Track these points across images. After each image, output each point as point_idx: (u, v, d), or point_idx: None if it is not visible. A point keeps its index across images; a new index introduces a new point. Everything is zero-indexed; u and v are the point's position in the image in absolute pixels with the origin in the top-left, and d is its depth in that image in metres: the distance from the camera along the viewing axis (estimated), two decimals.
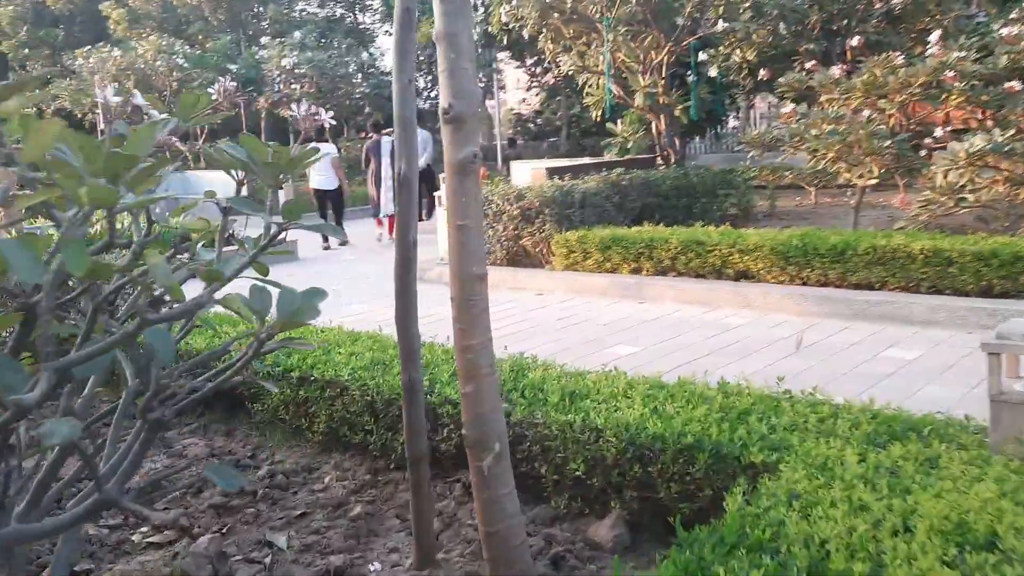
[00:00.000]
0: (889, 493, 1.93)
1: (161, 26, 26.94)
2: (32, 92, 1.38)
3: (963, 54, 7.74)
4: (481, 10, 16.76)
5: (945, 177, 7.02)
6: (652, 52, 11.13)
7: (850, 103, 8.24)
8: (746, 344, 5.28)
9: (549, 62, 15.33)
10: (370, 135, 12.50)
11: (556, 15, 11.01)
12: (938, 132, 7.80)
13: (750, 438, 2.40)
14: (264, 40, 26.52)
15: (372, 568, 2.52)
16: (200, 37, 27.32)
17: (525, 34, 11.56)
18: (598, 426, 2.60)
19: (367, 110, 22.66)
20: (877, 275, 6.10)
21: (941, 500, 1.85)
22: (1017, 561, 1.59)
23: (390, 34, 10.79)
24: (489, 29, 13.50)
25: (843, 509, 1.84)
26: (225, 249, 2.01)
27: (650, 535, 2.56)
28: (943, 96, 7.87)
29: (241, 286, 1.70)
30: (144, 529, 2.89)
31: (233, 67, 22.55)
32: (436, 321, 6.02)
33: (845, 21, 10.98)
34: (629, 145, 12.63)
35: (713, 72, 11.46)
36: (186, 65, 21.12)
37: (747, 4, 10.48)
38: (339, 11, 31.43)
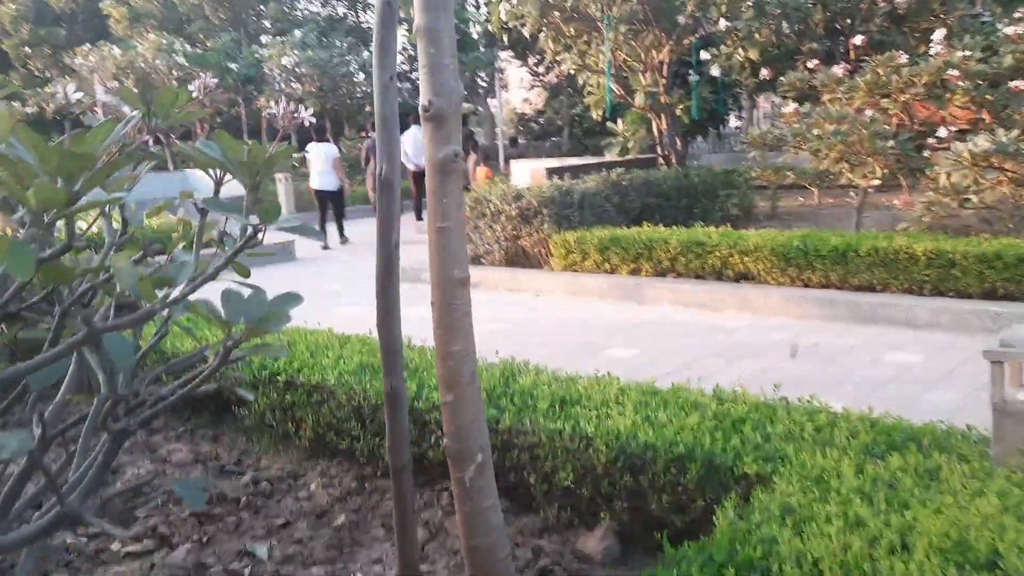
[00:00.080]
0: (887, 508, 1.85)
1: (162, 24, 26.90)
2: None
3: (967, 53, 7.65)
4: (483, 9, 16.69)
5: (949, 178, 6.92)
6: (653, 51, 11.04)
7: (853, 103, 8.15)
8: (745, 347, 5.20)
9: (550, 61, 15.26)
10: (370, 134, 12.43)
11: (556, 13, 10.93)
12: (942, 132, 7.71)
13: (744, 448, 2.32)
14: (265, 39, 26.47)
15: None
16: (201, 36, 27.28)
17: (526, 33, 11.48)
18: (588, 434, 2.53)
19: (368, 109, 22.57)
20: (879, 277, 6.01)
21: (941, 516, 1.77)
22: None
23: None
24: (489, 28, 13.41)
25: (838, 525, 1.76)
26: (205, 251, 1.94)
27: (641, 547, 2.48)
28: (947, 96, 7.78)
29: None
30: (130, 535, 2.82)
31: (233, 66, 22.50)
32: (429, 324, 5.94)
33: (848, 20, 10.89)
34: (630, 145, 12.55)
35: (715, 71, 11.37)
36: (186, 64, 21.07)
37: (749, 3, 10.38)
38: (341, 10, 31.38)
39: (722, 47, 11.28)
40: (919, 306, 5.59)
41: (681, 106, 11.41)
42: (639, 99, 11.18)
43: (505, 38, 12.59)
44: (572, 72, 12.18)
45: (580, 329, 5.93)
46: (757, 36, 10.68)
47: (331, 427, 3.22)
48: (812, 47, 10.80)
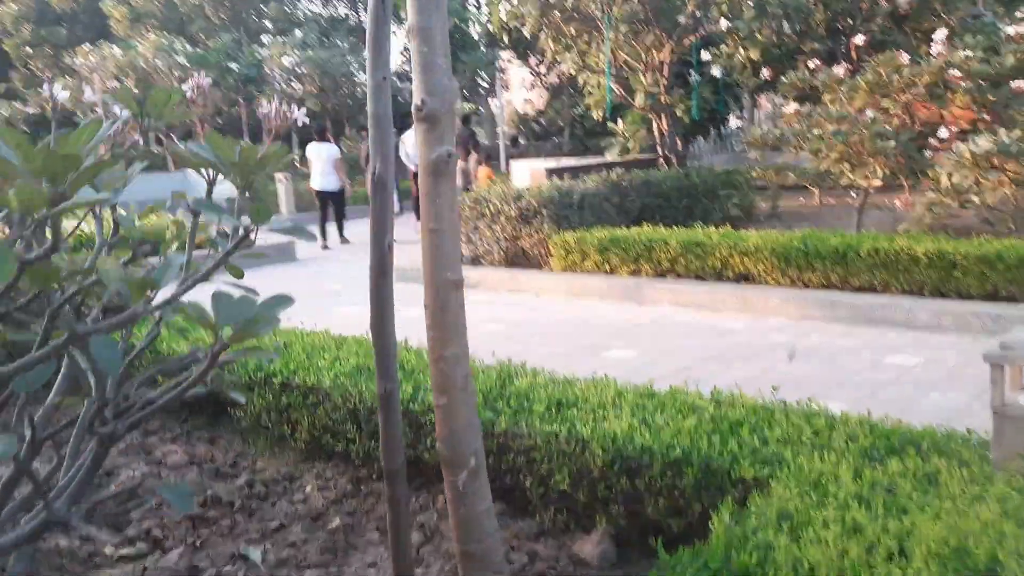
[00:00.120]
0: (885, 513, 1.83)
1: (163, 24, 26.90)
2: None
3: (969, 53, 7.61)
4: (484, 9, 16.66)
5: (950, 178, 6.89)
6: (654, 51, 11.02)
7: (854, 103, 8.12)
8: (745, 348, 5.17)
9: (551, 61, 15.23)
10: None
11: (556, 13, 10.91)
12: (943, 133, 7.67)
13: (741, 452, 2.30)
14: (266, 39, 26.46)
15: None
16: (201, 36, 27.28)
17: (526, 33, 11.46)
18: (584, 437, 2.50)
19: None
20: (880, 278, 5.99)
21: (939, 521, 1.75)
22: None
23: (394, 33, 10.71)
24: (490, 28, 13.39)
25: (836, 531, 1.74)
26: (199, 253, 1.92)
27: (638, 551, 2.46)
28: (948, 96, 7.75)
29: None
30: (116, 541, 2.80)
31: (234, 66, 22.48)
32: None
33: (850, 20, 10.86)
34: (630, 145, 12.52)
35: (716, 71, 11.34)
36: (187, 64, 21.06)
37: (750, 2, 10.35)
38: (342, 10, 31.36)
39: (723, 47, 11.26)
40: (920, 307, 5.56)
41: (682, 106, 11.38)
42: (639, 99, 11.15)
43: (505, 38, 12.57)
44: (572, 72, 12.16)
45: (580, 330, 5.91)
46: (758, 36, 10.65)
47: (327, 429, 3.20)
48: (813, 47, 10.78)
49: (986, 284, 5.58)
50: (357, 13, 31.00)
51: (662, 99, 11.18)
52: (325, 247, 11.56)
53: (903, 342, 5.17)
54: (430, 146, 1.88)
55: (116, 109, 2.02)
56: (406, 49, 25.61)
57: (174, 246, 2.31)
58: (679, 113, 11.44)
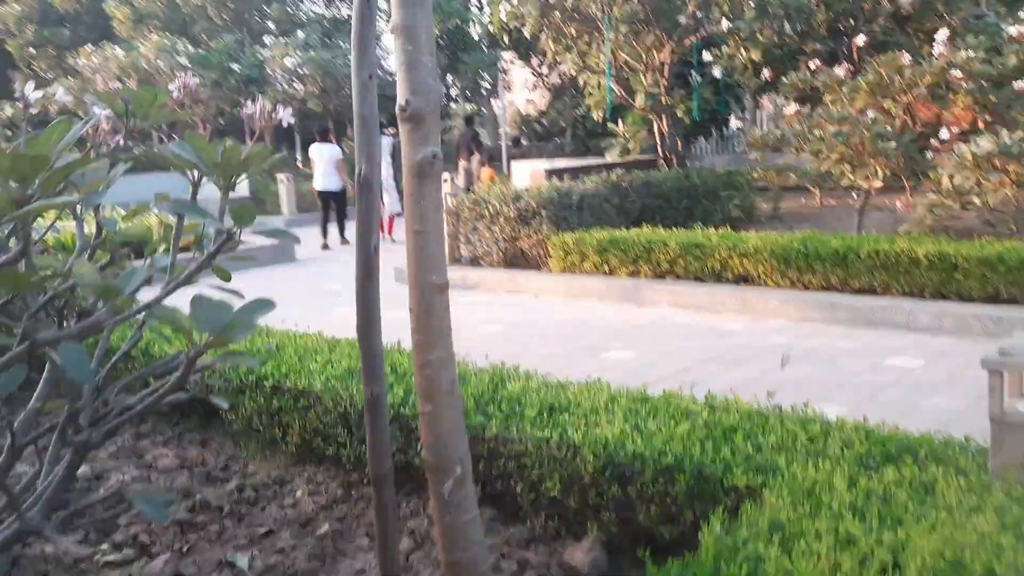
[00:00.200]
0: (879, 524, 1.79)
1: (165, 25, 26.90)
2: None
3: (971, 54, 7.56)
4: (486, 9, 16.63)
5: (951, 180, 6.84)
6: (654, 51, 10.97)
7: (855, 104, 8.07)
8: (744, 350, 5.13)
9: (551, 62, 15.19)
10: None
11: (557, 14, 10.87)
12: (944, 134, 7.62)
13: (734, 459, 2.25)
14: (268, 40, 26.45)
15: None
16: (204, 36, 27.27)
17: (526, 33, 11.42)
18: (575, 443, 2.46)
19: None
20: (880, 280, 5.94)
21: (935, 533, 1.70)
22: None
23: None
24: (491, 28, 13.35)
25: (828, 542, 1.70)
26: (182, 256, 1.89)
27: (629, 559, 2.41)
28: (950, 97, 7.69)
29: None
30: (104, 547, 2.76)
31: (236, 66, 22.46)
32: None
33: (851, 20, 10.81)
34: (630, 146, 12.48)
35: (717, 72, 11.29)
36: (189, 64, 21.05)
37: (751, 3, 10.31)
38: (345, 12, 31.33)
39: (724, 47, 11.21)
40: (920, 309, 5.51)
41: (682, 107, 11.34)
42: (640, 100, 11.11)
43: (506, 39, 12.54)
44: (573, 73, 12.12)
45: (579, 331, 5.87)
46: (759, 36, 10.61)
47: (318, 433, 3.16)
48: (815, 47, 10.72)
49: (987, 286, 5.53)
50: None
51: (663, 100, 11.14)
52: (325, 247, 11.55)
53: (903, 344, 5.12)
54: (415, 147, 1.84)
55: (96, 109, 1.99)
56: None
57: (161, 248, 2.27)
58: (680, 114, 11.40)
